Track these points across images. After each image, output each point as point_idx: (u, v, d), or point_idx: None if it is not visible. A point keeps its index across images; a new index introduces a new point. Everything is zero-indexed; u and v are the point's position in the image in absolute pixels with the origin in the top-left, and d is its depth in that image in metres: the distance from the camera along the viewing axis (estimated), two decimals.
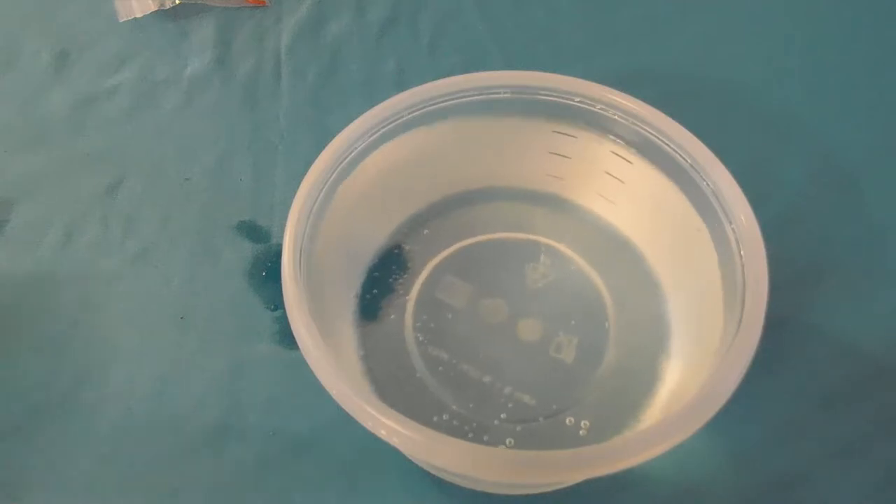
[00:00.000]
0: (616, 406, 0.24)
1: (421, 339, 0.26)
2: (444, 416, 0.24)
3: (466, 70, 0.25)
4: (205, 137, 0.33)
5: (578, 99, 0.24)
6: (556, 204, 0.28)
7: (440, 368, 0.25)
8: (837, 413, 0.26)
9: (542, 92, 0.25)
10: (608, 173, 0.26)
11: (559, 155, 0.27)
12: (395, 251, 0.27)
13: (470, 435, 0.24)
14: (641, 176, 0.25)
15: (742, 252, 0.21)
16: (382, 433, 0.18)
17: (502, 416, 0.24)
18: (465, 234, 0.28)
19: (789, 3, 0.36)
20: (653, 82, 0.33)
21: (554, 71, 0.25)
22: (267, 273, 0.29)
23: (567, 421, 0.24)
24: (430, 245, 0.28)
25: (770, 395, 0.26)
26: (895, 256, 0.29)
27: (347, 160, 0.24)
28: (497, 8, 0.36)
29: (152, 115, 0.34)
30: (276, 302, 0.28)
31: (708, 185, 0.23)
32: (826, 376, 0.26)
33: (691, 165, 0.23)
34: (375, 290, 0.27)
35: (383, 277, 0.27)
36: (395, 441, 0.18)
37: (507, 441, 0.24)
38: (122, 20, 0.36)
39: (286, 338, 0.27)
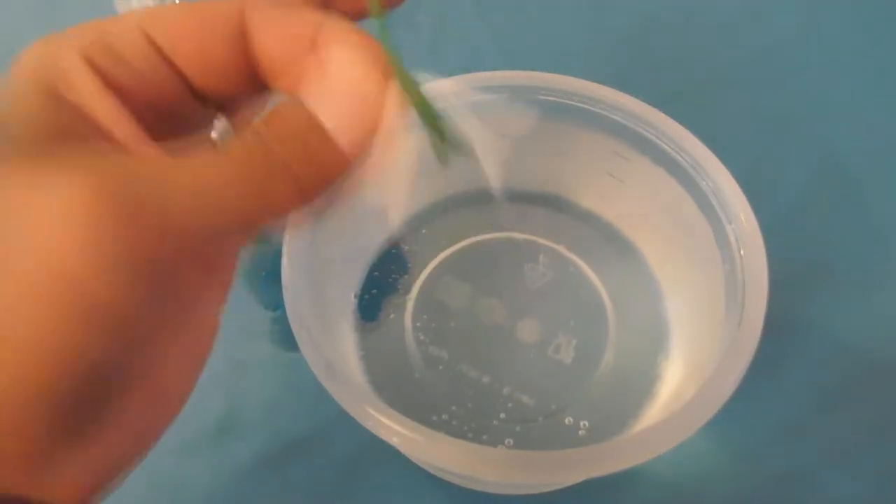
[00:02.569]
0: (616, 406, 0.24)
1: (420, 339, 0.26)
2: (444, 416, 0.24)
3: (466, 70, 0.25)
4: None
5: (578, 99, 0.24)
6: (555, 204, 0.28)
7: (439, 368, 0.25)
8: (837, 413, 0.26)
9: (542, 92, 0.25)
10: (608, 173, 0.26)
11: (560, 155, 0.27)
12: (395, 251, 0.27)
13: (469, 435, 0.24)
14: (641, 176, 0.25)
15: (742, 252, 0.21)
16: (382, 433, 0.18)
17: (501, 416, 0.24)
18: (464, 234, 0.28)
19: (789, 3, 0.36)
20: (653, 82, 0.33)
21: (554, 71, 0.25)
22: (267, 273, 0.29)
23: (566, 421, 0.24)
24: (429, 245, 0.28)
25: (770, 395, 0.26)
26: (895, 256, 0.29)
27: None
28: (497, 8, 0.36)
29: None
30: (276, 302, 0.28)
31: (708, 184, 0.23)
32: (826, 376, 0.26)
33: (691, 165, 0.23)
34: (375, 290, 0.27)
35: (383, 277, 0.27)
36: (394, 441, 0.18)
37: (507, 441, 0.24)
38: None
39: (286, 338, 0.27)
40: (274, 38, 0.13)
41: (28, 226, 0.10)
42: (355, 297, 0.26)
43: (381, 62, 0.13)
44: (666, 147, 0.24)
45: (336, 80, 0.12)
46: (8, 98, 0.12)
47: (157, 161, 0.12)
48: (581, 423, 0.24)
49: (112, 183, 0.11)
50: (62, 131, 0.12)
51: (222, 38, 0.13)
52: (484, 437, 0.24)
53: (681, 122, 0.24)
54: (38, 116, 0.12)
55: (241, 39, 0.13)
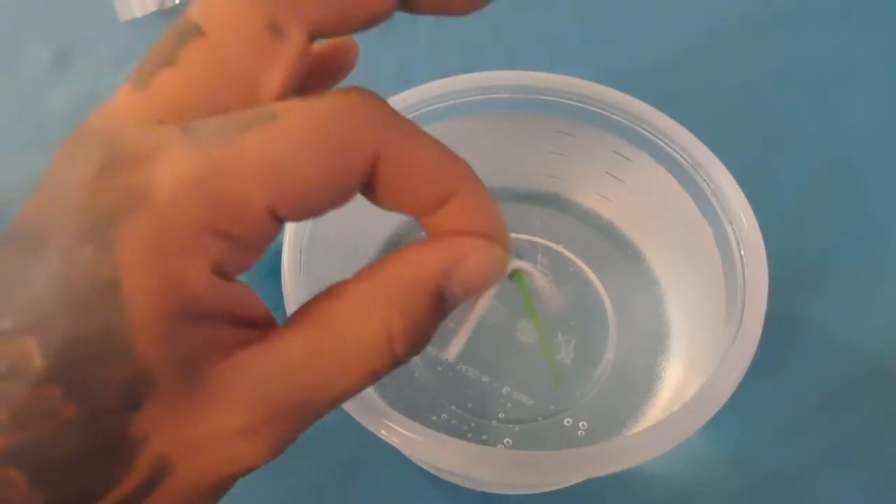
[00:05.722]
0: (615, 406, 0.24)
1: None
2: (443, 416, 0.24)
3: (466, 70, 0.25)
4: None
5: (578, 99, 0.24)
6: (555, 204, 0.28)
7: (439, 369, 0.25)
8: (837, 413, 0.26)
9: (542, 92, 0.25)
10: (608, 173, 0.26)
11: (559, 154, 0.27)
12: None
13: (469, 435, 0.24)
14: (641, 175, 0.25)
15: (742, 252, 0.21)
16: (382, 433, 0.18)
17: (501, 416, 0.24)
18: None
19: (789, 3, 0.36)
20: (653, 82, 0.33)
21: (554, 71, 0.25)
22: (267, 273, 0.29)
23: (565, 421, 0.24)
24: None
25: (770, 395, 0.26)
26: (895, 256, 0.29)
27: None
28: (497, 8, 0.36)
29: None
30: (276, 302, 0.28)
31: (708, 184, 0.23)
32: (826, 376, 0.26)
33: (691, 165, 0.23)
34: None
35: None
36: (395, 441, 0.18)
37: (506, 441, 0.24)
38: (122, 20, 0.36)
39: None
40: (409, 183, 0.13)
41: None
42: None
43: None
44: (666, 147, 0.24)
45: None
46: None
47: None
48: (580, 424, 0.24)
49: None
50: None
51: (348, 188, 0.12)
52: (483, 437, 0.24)
53: (681, 122, 0.24)
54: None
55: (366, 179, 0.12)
